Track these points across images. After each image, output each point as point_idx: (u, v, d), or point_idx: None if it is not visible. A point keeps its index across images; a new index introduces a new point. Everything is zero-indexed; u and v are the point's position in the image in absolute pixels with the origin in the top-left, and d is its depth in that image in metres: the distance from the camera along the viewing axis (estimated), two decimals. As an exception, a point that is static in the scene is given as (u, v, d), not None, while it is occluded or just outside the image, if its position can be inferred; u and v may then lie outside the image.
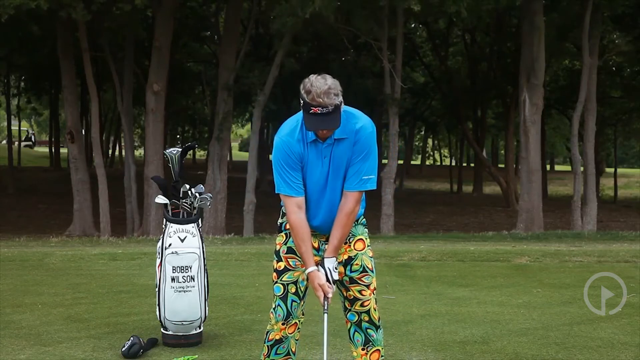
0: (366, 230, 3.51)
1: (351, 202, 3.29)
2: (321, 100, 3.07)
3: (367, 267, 3.41)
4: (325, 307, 3.32)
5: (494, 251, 10.09)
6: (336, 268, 3.32)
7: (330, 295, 3.28)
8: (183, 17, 22.61)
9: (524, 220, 16.73)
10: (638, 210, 27.07)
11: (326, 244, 3.40)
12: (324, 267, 3.30)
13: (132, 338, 4.54)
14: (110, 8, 14.87)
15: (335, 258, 3.32)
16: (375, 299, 3.44)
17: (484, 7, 16.18)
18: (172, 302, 4.65)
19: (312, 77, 3.15)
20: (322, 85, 3.09)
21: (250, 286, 7.11)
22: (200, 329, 4.83)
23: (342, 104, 3.20)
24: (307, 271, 3.30)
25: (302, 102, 3.14)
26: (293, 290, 3.40)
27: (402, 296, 6.56)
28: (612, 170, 38.25)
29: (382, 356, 3.50)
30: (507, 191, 27.97)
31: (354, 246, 3.42)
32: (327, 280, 3.28)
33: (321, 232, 3.42)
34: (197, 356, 4.49)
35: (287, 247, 3.44)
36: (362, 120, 3.28)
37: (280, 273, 3.42)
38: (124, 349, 4.47)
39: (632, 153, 62.25)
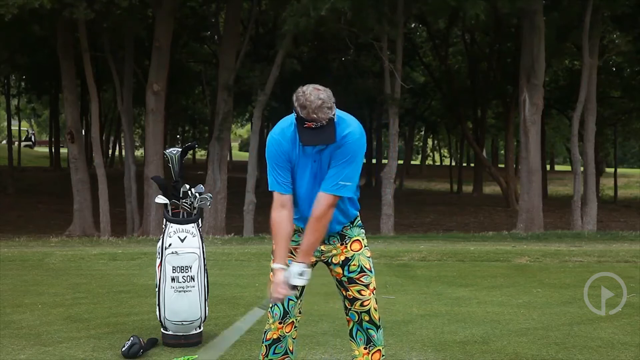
0: (363, 231, 3.50)
1: (322, 206, 3.21)
2: (315, 116, 3.07)
3: (365, 267, 3.41)
4: (266, 304, 3.26)
5: (494, 251, 10.09)
6: (303, 275, 3.20)
7: (276, 296, 3.18)
8: (183, 17, 22.61)
9: (524, 220, 16.72)
10: (638, 210, 27.06)
11: (321, 244, 3.42)
12: (289, 269, 3.21)
13: (132, 338, 4.54)
14: (110, 8, 14.88)
15: (304, 264, 3.21)
16: (376, 299, 3.44)
17: (503, 11, 16.08)
18: (172, 302, 4.65)
19: (305, 89, 3.13)
20: (315, 100, 3.08)
21: (250, 286, 7.11)
22: (200, 329, 4.83)
23: (334, 108, 3.18)
24: (272, 266, 3.28)
25: (295, 113, 3.15)
26: None
27: (402, 296, 6.56)
28: (612, 170, 38.24)
29: (382, 356, 3.51)
30: (507, 191, 27.96)
31: (350, 247, 3.42)
32: (290, 284, 3.19)
33: None
34: (197, 356, 4.49)
35: None
36: (351, 126, 3.24)
37: None
38: (124, 349, 4.47)
39: (632, 153, 62.22)
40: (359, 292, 3.39)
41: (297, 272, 3.18)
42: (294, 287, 3.20)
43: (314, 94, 3.09)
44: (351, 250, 3.42)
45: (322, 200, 3.21)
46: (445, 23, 27.37)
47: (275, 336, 3.43)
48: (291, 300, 3.40)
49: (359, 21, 15.85)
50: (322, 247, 3.42)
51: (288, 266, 3.22)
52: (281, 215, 3.26)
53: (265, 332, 3.48)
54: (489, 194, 34.16)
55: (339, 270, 3.41)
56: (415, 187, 39.34)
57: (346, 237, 3.43)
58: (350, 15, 14.82)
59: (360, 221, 3.50)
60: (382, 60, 17.14)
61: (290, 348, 3.49)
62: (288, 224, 3.27)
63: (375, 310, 3.42)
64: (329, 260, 3.46)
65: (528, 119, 16.77)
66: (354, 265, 3.40)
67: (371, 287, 3.41)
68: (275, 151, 3.27)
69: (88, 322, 5.43)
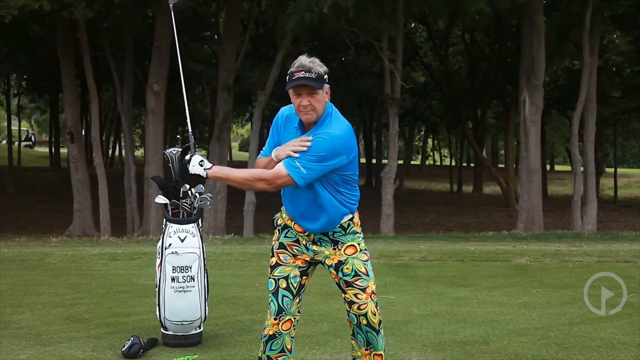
0: (358, 236, 3.48)
1: (270, 172, 3.30)
2: (307, 64, 3.23)
3: (360, 271, 3.40)
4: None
5: (494, 251, 10.09)
6: (201, 165, 3.36)
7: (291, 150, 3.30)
8: (183, 17, 22.60)
9: (524, 220, 16.73)
10: (638, 210, 27.06)
11: (313, 244, 3.43)
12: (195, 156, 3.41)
13: (132, 338, 4.54)
14: (110, 8, 14.91)
15: (205, 159, 3.37)
16: (376, 303, 3.43)
17: (502, 7, 16.15)
18: (172, 302, 4.65)
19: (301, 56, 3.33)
20: (308, 58, 3.27)
21: (250, 286, 7.11)
22: (200, 329, 4.82)
23: (327, 79, 3.29)
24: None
25: (287, 77, 3.27)
26: (284, 285, 3.42)
27: (402, 296, 6.56)
28: (612, 170, 38.25)
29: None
30: (507, 191, 27.97)
31: (343, 251, 3.42)
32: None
33: (304, 227, 3.43)
34: (197, 356, 4.49)
35: (279, 242, 3.49)
36: (333, 128, 3.29)
37: (272, 268, 3.48)
38: (124, 349, 4.47)
39: (632, 153, 62.23)
40: (355, 295, 3.39)
41: (197, 160, 3.37)
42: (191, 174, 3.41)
43: (308, 57, 3.30)
44: (344, 254, 3.42)
45: (276, 166, 3.30)
46: (445, 23, 27.38)
47: (271, 332, 3.44)
48: (286, 296, 3.42)
49: (360, 19, 15.82)
50: (314, 248, 3.44)
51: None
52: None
53: (264, 328, 3.50)
54: (489, 194, 34.18)
55: (334, 272, 3.43)
56: (415, 187, 39.35)
57: (339, 242, 3.42)
58: (352, 12, 14.76)
59: (354, 228, 3.47)
60: (382, 60, 17.14)
61: (288, 347, 3.48)
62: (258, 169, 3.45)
63: (374, 314, 3.40)
64: (323, 262, 3.46)
65: (528, 119, 16.77)
66: (347, 268, 3.40)
67: (368, 290, 3.39)
68: (277, 117, 3.49)
69: (88, 322, 5.43)
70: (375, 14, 15.51)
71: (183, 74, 4.07)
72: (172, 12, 4.13)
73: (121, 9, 14.85)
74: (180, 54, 4.28)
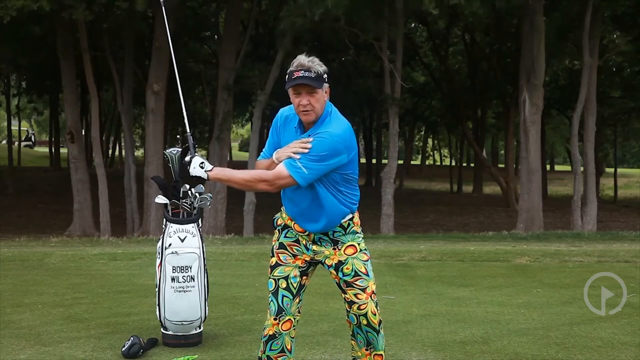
0: (358, 236, 3.48)
1: (271, 173, 3.29)
2: (305, 63, 3.22)
3: (360, 271, 3.39)
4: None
5: (494, 251, 10.09)
6: (202, 167, 3.30)
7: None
8: (183, 17, 22.62)
9: (524, 220, 16.73)
10: (638, 210, 27.06)
11: (313, 244, 3.43)
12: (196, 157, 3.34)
13: (132, 338, 4.54)
14: (110, 9, 14.92)
15: (206, 161, 3.31)
16: (376, 303, 3.43)
17: (499, 5, 16.20)
18: (172, 302, 4.66)
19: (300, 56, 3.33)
20: (307, 57, 3.28)
21: (250, 286, 7.11)
22: (200, 329, 4.83)
23: (326, 79, 3.29)
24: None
25: (287, 77, 3.27)
26: (284, 285, 3.42)
27: (402, 296, 6.56)
28: (612, 170, 38.26)
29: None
30: (507, 191, 27.96)
31: (343, 251, 3.42)
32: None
33: (304, 227, 3.43)
34: (197, 356, 4.49)
35: (279, 242, 3.49)
36: (333, 127, 3.29)
37: (272, 268, 3.48)
38: (124, 349, 4.47)
39: (632, 153, 62.22)
40: (355, 295, 3.39)
41: (198, 162, 3.32)
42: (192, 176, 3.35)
43: (307, 56, 3.30)
44: (344, 254, 3.41)
45: (277, 167, 3.28)
46: (445, 23, 27.37)
47: (271, 332, 3.44)
48: (285, 297, 3.41)
49: (358, 22, 15.84)
50: (314, 247, 3.44)
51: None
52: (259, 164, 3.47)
53: (264, 328, 3.50)
54: (489, 194, 34.18)
55: (334, 272, 3.43)
56: (415, 187, 39.36)
57: (339, 242, 3.42)
58: (344, 20, 14.79)
59: (354, 227, 3.47)
60: (382, 60, 17.15)
61: (288, 347, 3.48)
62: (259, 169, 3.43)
63: (374, 314, 3.40)
64: (323, 262, 3.46)
65: (528, 119, 16.77)
66: (347, 268, 3.39)
67: (368, 291, 3.39)
68: (277, 118, 3.49)
69: (88, 322, 5.43)
70: (373, 17, 15.51)
71: (178, 71, 4.05)
72: (163, 6, 4.11)
73: (121, 10, 14.87)
74: (177, 53, 4.27)
